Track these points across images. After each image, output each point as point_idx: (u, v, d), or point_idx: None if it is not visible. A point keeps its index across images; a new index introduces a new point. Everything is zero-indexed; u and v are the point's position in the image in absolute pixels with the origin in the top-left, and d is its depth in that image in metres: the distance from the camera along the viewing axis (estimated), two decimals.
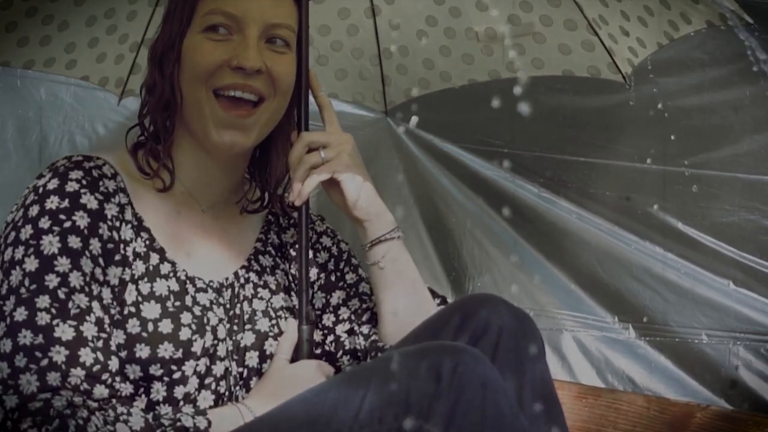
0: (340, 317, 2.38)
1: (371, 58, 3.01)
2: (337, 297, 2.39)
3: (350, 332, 2.35)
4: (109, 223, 2.05)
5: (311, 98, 2.34)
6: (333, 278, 2.41)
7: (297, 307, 2.26)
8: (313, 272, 2.39)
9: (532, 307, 3.44)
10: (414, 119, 3.13)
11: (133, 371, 2.02)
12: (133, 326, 2.02)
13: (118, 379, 1.97)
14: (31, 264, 1.94)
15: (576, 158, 3.43)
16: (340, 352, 2.34)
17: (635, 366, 3.41)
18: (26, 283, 1.93)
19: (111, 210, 2.06)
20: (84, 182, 2.04)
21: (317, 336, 2.37)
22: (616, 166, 3.43)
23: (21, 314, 1.91)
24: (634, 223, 3.42)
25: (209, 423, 1.99)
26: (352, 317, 2.37)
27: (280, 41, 2.20)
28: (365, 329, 2.35)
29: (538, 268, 3.50)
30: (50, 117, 3.30)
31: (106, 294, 2.01)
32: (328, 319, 2.38)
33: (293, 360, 2.20)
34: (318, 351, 2.34)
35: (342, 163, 2.23)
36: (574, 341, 3.47)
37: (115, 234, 2.05)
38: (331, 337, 2.36)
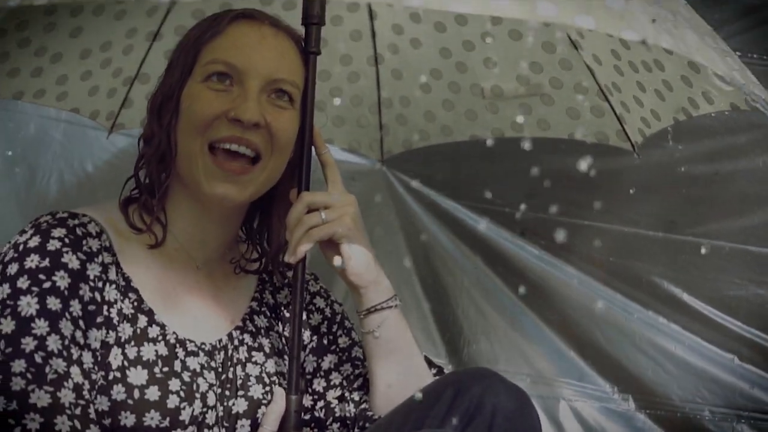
0: (332, 382, 2.37)
1: (371, 106, 3.04)
2: (328, 361, 2.38)
3: (341, 399, 2.34)
4: (91, 283, 2.04)
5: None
6: (325, 341, 2.40)
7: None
8: (306, 335, 2.39)
9: (528, 372, 3.45)
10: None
11: None
12: (118, 393, 2.01)
13: None
14: (8, 326, 1.93)
15: (580, 221, 3.44)
16: (330, 419, 2.33)
17: None
18: (1, 345, 1.92)
19: (93, 270, 2.04)
20: (67, 240, 2.03)
21: (307, 401, 2.36)
22: (621, 232, 3.43)
23: None
24: (637, 291, 3.41)
25: None
26: (344, 383, 2.36)
27: (282, 95, 2.19)
28: (356, 396, 2.34)
29: (537, 333, 3.49)
30: (39, 154, 3.32)
31: (87, 358, 1.99)
32: (318, 384, 2.37)
33: None
34: (307, 416, 2.34)
35: (344, 225, 2.20)
36: (571, 411, 3.45)
37: (97, 295, 2.04)
38: (321, 403, 2.35)
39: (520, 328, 3.50)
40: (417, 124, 3.05)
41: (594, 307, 3.44)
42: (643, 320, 3.42)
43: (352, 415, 2.32)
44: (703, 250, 3.37)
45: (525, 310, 3.49)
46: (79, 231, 2.07)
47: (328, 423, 2.34)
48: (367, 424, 2.28)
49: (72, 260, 2.02)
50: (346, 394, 2.36)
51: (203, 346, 2.18)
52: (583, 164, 3.14)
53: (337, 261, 2.29)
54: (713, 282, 3.38)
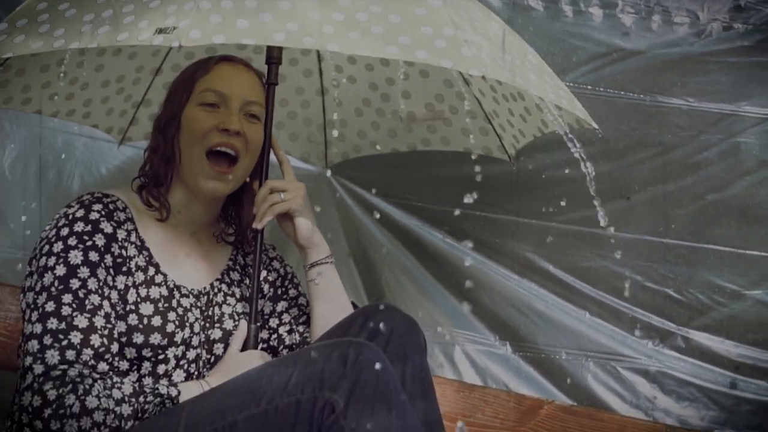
0: (283, 321, 2.66)
1: (318, 126, 3.30)
2: (281, 306, 2.68)
3: (290, 331, 2.63)
4: (120, 243, 2.34)
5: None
6: (279, 292, 2.69)
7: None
8: (264, 287, 2.66)
9: (432, 325, 3.66)
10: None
11: (130, 352, 2.32)
12: (132, 320, 2.32)
13: (117, 358, 2.28)
14: (60, 270, 2.23)
15: (473, 212, 3.65)
16: (281, 347, 2.64)
17: (509, 374, 3.67)
18: (56, 284, 2.22)
19: (121, 234, 2.35)
20: (103, 213, 2.33)
21: (264, 334, 2.63)
22: (504, 220, 3.65)
23: (50, 306, 2.20)
24: (516, 264, 3.65)
25: (179, 392, 2.30)
26: (292, 321, 2.65)
27: (253, 113, 2.50)
28: (301, 328, 2.63)
29: (440, 297, 3.70)
30: (65, 160, 3.51)
31: (114, 296, 2.30)
32: (273, 322, 2.66)
33: (243, 350, 2.49)
34: (264, 345, 2.62)
35: (297, 203, 2.51)
36: (463, 353, 3.68)
37: (123, 252, 2.35)
38: (274, 336, 2.65)
39: (428, 294, 3.72)
40: (352, 140, 3.31)
41: (483, 277, 3.68)
42: (519, 286, 3.68)
43: (297, 341, 2.61)
44: (562, 233, 3.63)
45: (431, 280, 3.71)
46: (111, 206, 2.35)
47: (279, 349, 2.63)
48: (304, 346, 2.55)
49: (107, 227, 2.31)
50: (294, 327, 2.63)
51: (192, 291, 2.46)
52: (475, 168, 3.33)
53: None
54: (570, 257, 3.66)
